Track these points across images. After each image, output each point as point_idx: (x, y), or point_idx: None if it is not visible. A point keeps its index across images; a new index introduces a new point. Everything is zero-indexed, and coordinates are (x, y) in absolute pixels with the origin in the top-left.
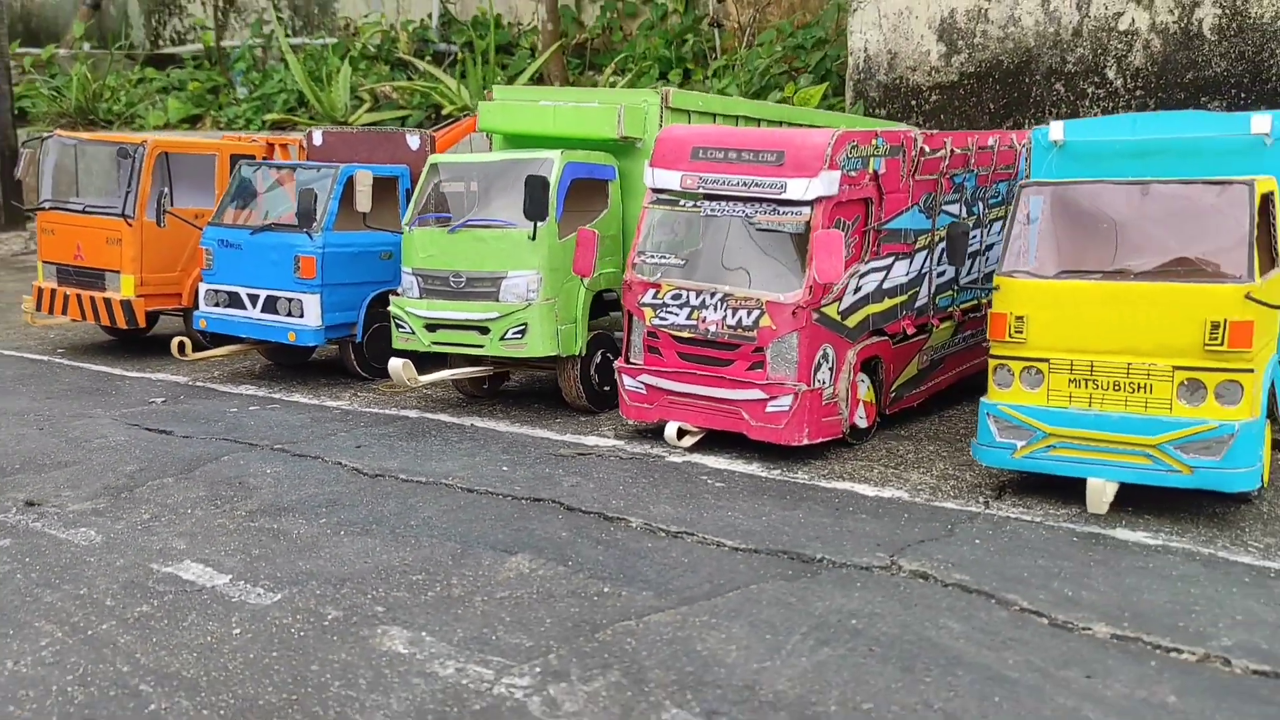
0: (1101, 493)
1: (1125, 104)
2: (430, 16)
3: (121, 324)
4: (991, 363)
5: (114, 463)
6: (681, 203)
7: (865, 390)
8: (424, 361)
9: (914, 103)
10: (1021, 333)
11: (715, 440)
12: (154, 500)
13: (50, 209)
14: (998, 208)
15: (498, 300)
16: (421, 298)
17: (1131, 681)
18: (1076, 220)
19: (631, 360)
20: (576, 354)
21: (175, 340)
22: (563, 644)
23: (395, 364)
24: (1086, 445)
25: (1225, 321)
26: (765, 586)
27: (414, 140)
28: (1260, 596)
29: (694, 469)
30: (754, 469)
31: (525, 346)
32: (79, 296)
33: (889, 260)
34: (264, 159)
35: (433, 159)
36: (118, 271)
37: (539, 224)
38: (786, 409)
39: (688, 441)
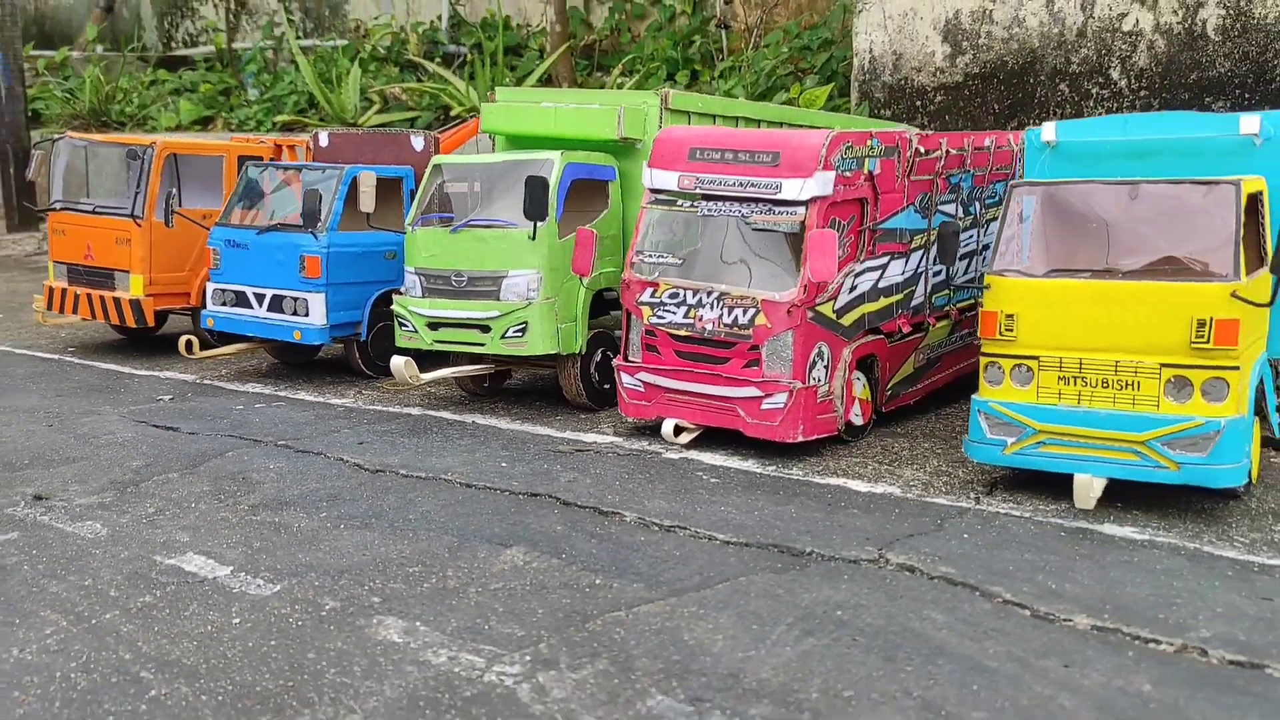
0: (1088, 488)
1: (1129, 104)
2: (440, 18)
3: (130, 323)
4: (982, 360)
5: (121, 458)
6: (679, 203)
7: (861, 388)
8: (427, 360)
9: (919, 103)
10: (1012, 331)
11: (712, 437)
12: (159, 495)
13: (61, 210)
14: (995, 208)
15: (498, 299)
16: (424, 297)
17: (1109, 671)
18: (1067, 220)
19: (630, 358)
20: (577, 352)
21: (183, 339)
22: (553, 633)
23: (397, 362)
24: (1075, 442)
25: (1211, 320)
26: (754, 579)
27: (418, 141)
28: (1242, 590)
29: (690, 465)
30: (749, 465)
31: (525, 345)
32: (89, 296)
33: (884, 260)
34: (271, 160)
35: (435, 160)
36: (127, 271)
37: (539, 224)
38: (782, 406)
39: (685, 438)
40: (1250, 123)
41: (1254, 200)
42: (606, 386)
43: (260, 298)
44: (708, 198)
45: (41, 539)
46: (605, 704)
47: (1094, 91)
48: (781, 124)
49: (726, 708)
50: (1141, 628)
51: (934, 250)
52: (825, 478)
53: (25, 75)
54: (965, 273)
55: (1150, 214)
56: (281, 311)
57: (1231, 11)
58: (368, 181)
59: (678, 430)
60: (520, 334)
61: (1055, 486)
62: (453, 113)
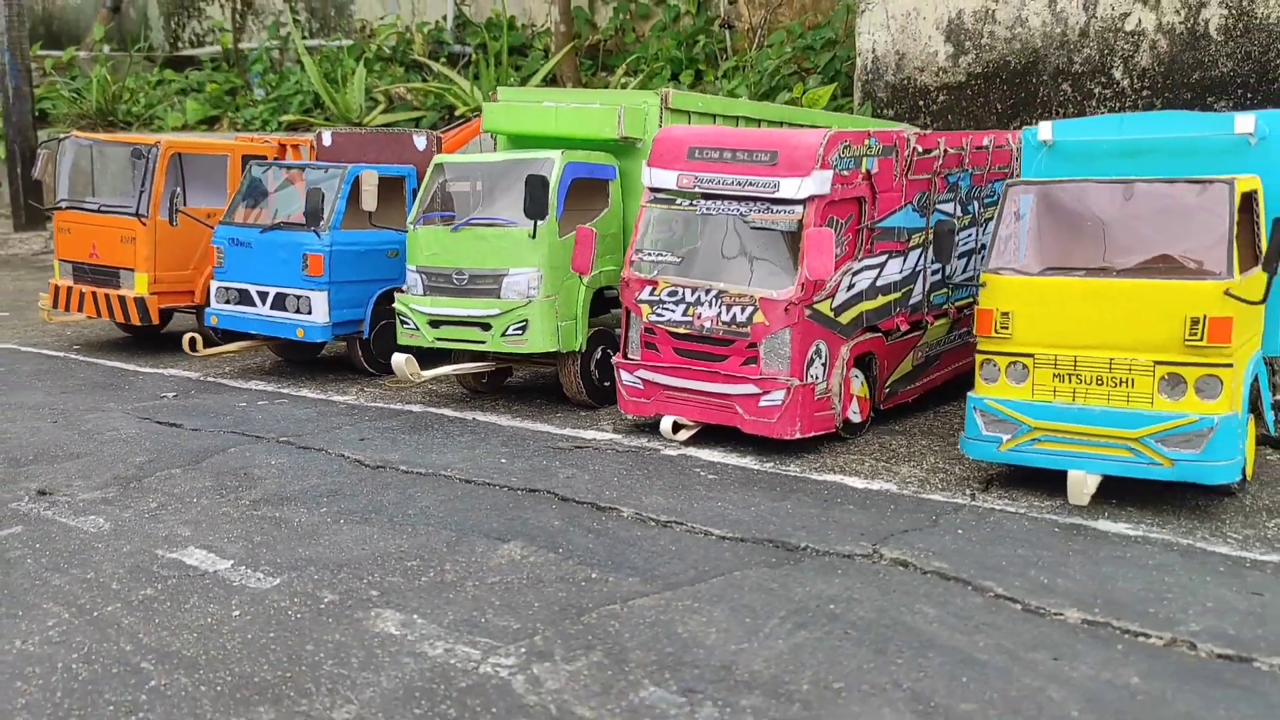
0: (1082, 484)
1: (1132, 104)
2: (445, 18)
3: (135, 321)
4: (978, 358)
5: (124, 454)
6: (678, 201)
7: (859, 386)
8: (429, 357)
9: (921, 103)
10: (1007, 328)
11: (710, 434)
12: (161, 490)
13: (66, 208)
14: (993, 207)
15: (499, 297)
16: (426, 295)
17: (1097, 664)
18: (1062, 218)
19: (629, 356)
20: (577, 350)
21: (187, 336)
22: (549, 626)
23: (398, 359)
24: (1070, 439)
25: (1205, 317)
26: (748, 573)
27: (420, 141)
28: (1233, 585)
29: (688, 461)
30: (747, 462)
31: (526, 342)
32: (94, 294)
33: (882, 258)
34: (275, 159)
35: (437, 159)
36: (132, 269)
37: (539, 222)
38: (779, 403)
39: (683, 435)
40: (1245, 122)
41: (1248, 199)
42: (606, 384)
43: (264, 296)
44: (707, 196)
45: (45, 533)
46: (599, 695)
47: (1096, 91)
48: (781, 123)
49: (718, 699)
50: (1131, 621)
51: (932, 249)
52: (822, 474)
53: (32, 75)
54: (964, 271)
55: (1145, 213)
56: (284, 309)
57: (1234, 11)
58: (370, 180)
59: (676, 427)
60: (520, 332)
61: (1050, 483)
62: (457, 113)
